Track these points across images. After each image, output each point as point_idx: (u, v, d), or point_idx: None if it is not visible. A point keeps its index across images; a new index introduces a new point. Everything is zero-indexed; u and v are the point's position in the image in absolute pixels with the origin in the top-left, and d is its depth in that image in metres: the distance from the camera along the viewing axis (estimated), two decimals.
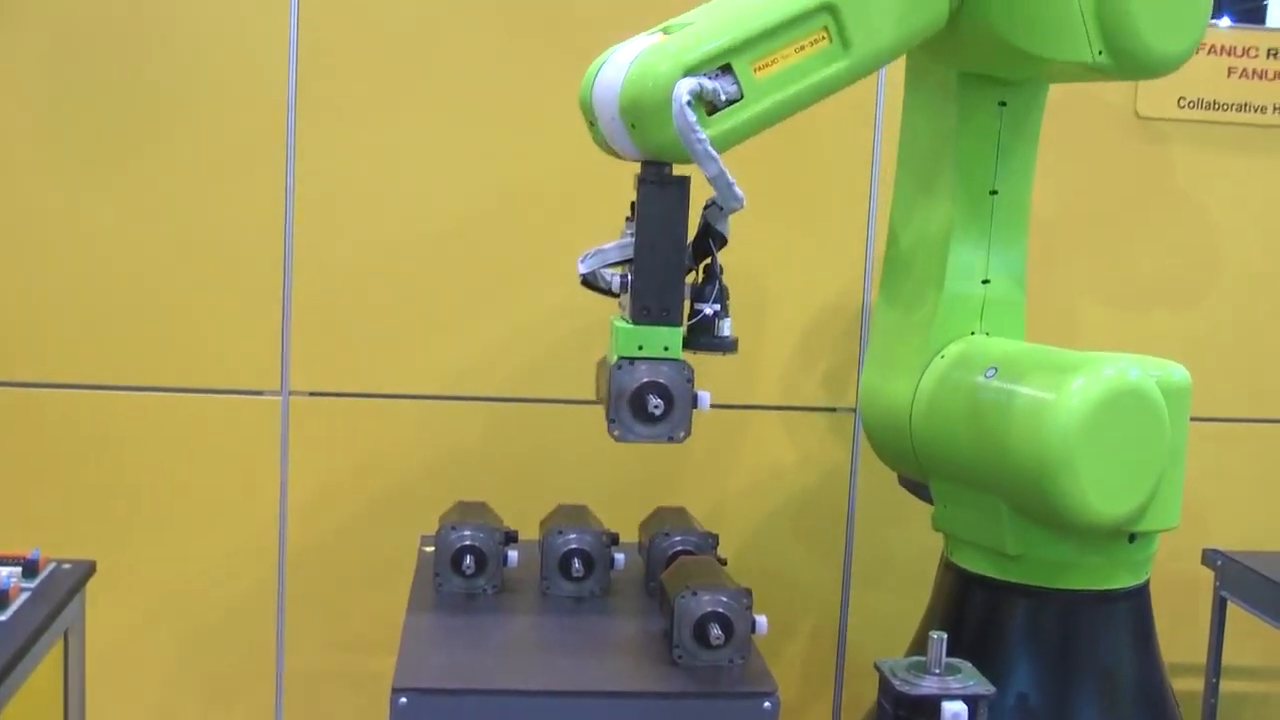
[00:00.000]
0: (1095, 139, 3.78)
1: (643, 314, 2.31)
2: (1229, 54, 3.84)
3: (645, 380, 2.30)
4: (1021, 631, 2.69)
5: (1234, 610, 3.42)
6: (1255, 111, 3.91)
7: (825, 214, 3.69)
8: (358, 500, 3.62)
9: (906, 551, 3.58)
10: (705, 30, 2.27)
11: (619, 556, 2.79)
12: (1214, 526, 3.74)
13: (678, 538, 2.81)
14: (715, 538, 2.84)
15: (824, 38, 2.34)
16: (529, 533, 2.89)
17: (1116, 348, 2.68)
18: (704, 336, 2.36)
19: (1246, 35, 3.97)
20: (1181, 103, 3.80)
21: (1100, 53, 2.52)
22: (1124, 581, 2.69)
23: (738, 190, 2.26)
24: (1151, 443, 2.50)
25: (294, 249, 3.52)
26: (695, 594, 2.37)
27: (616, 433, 2.32)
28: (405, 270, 3.56)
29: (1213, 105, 3.86)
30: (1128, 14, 2.50)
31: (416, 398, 3.61)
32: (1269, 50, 3.92)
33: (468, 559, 2.73)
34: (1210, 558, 3.43)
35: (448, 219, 3.56)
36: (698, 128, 2.17)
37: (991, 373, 2.61)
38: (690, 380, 2.31)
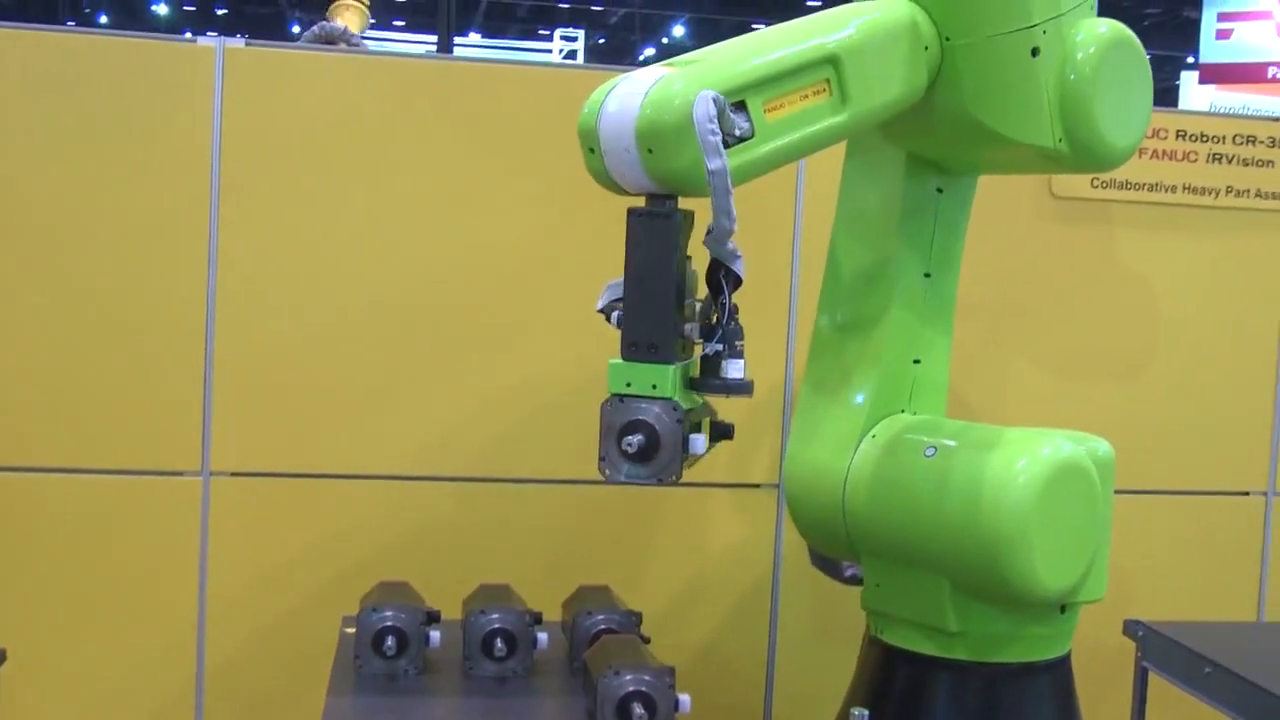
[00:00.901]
0: (1014, 220, 3.86)
1: (631, 350, 2.28)
2: None
3: (630, 419, 2.25)
4: (946, 706, 2.70)
5: (1155, 681, 3.44)
6: (1165, 191, 4.01)
7: (748, 293, 3.71)
8: (282, 584, 3.57)
9: (831, 627, 3.58)
10: (722, 63, 2.31)
11: (542, 636, 2.78)
12: (1136, 598, 3.79)
13: (600, 616, 2.80)
14: (638, 616, 2.84)
15: (825, 90, 2.41)
16: (453, 612, 2.87)
17: (1040, 421, 2.74)
18: (709, 377, 2.31)
19: (1157, 117, 4.08)
20: (1094, 183, 3.89)
21: (1060, 140, 2.64)
22: (1049, 653, 2.72)
23: (732, 208, 2.20)
24: (1089, 515, 2.59)
25: (216, 327, 3.49)
26: (618, 673, 2.37)
27: (606, 471, 2.27)
28: (331, 350, 3.55)
29: (1125, 185, 3.96)
30: (1089, 106, 2.62)
31: (342, 477, 3.57)
32: (1178, 132, 4.03)
33: (389, 640, 2.71)
34: (1132, 629, 3.46)
35: (377, 298, 3.56)
36: (715, 121, 2.15)
37: (931, 451, 2.64)
38: (681, 422, 2.24)
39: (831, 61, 2.40)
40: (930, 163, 2.84)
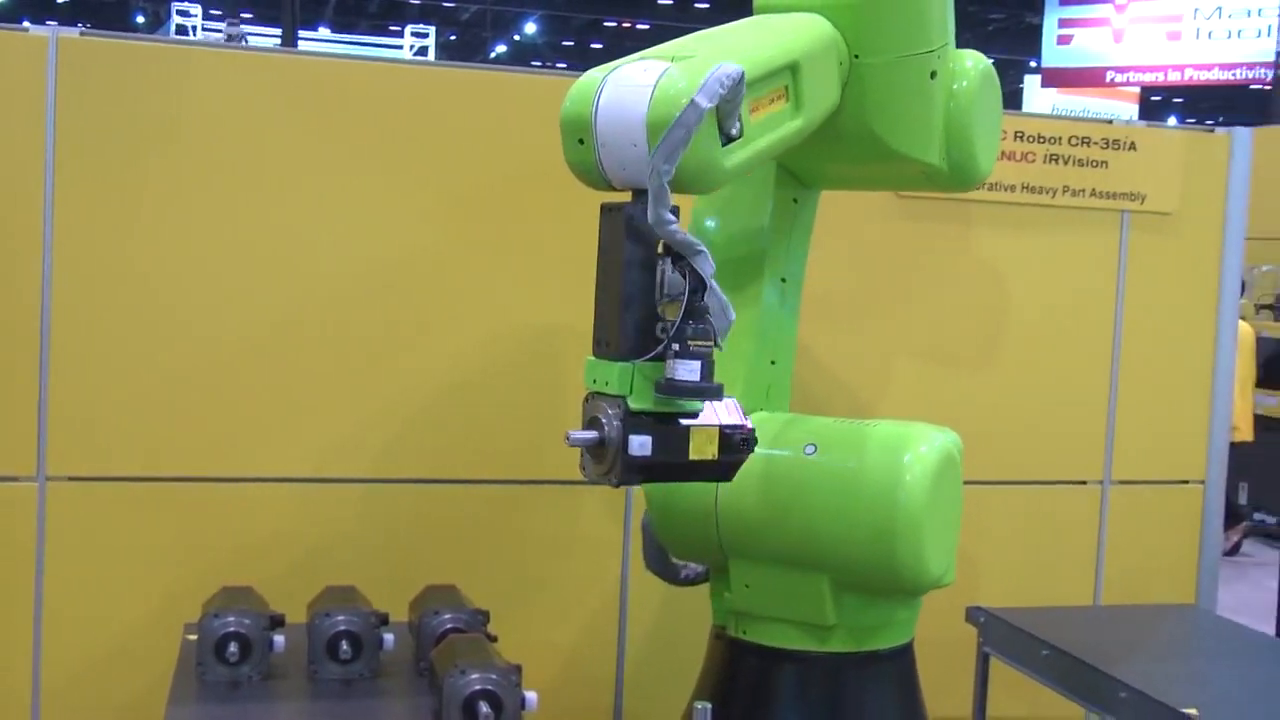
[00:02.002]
0: (862, 219, 3.92)
1: (594, 346, 2.32)
2: None
3: (589, 416, 2.30)
4: (792, 698, 2.74)
5: (997, 665, 3.54)
6: (1005, 190, 4.12)
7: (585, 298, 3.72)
8: (123, 592, 3.46)
9: (680, 623, 3.59)
10: (716, 61, 2.28)
11: (388, 637, 2.75)
12: (979, 586, 3.90)
13: (447, 615, 2.78)
14: (485, 614, 2.82)
15: (783, 96, 2.46)
16: (299, 616, 2.82)
17: (891, 413, 2.81)
18: (660, 379, 2.28)
19: None
20: None
21: (942, 158, 2.79)
22: (896, 640, 2.79)
23: (669, 195, 2.19)
24: (957, 503, 2.74)
25: (51, 327, 3.37)
26: (464, 672, 2.35)
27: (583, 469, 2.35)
28: (172, 351, 3.46)
29: None
30: (969, 128, 2.82)
31: (184, 480, 3.49)
32: (1016, 133, 4.14)
33: (232, 646, 2.65)
34: (973, 615, 3.56)
35: (216, 297, 3.48)
36: (701, 103, 2.17)
37: (811, 450, 2.68)
38: (623, 421, 2.26)
39: (792, 69, 2.46)
40: (793, 175, 2.91)
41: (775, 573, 2.75)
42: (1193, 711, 2.82)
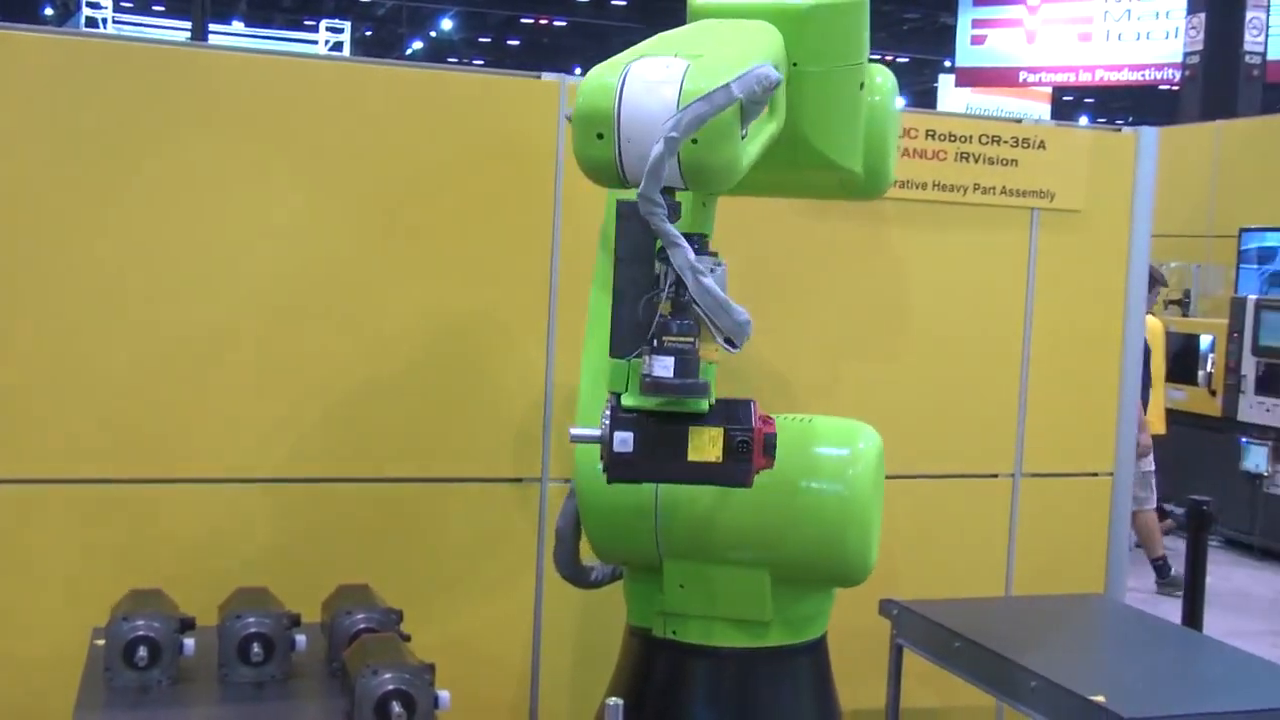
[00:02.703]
0: (769, 217, 3.94)
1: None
2: None
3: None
4: (706, 694, 2.75)
5: (910, 656, 3.58)
6: (917, 188, 4.17)
7: (509, 280, 3.72)
8: (26, 597, 3.38)
9: (596, 619, 3.59)
10: (725, 61, 2.29)
11: (300, 638, 2.72)
12: (893, 579, 3.93)
13: (360, 615, 2.75)
14: (399, 613, 2.80)
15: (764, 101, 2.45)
16: (209, 619, 2.78)
17: (806, 408, 2.85)
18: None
19: (908, 117, 4.23)
20: None
21: (861, 166, 2.85)
22: (815, 633, 2.81)
23: (665, 171, 2.18)
24: (880, 497, 2.81)
25: None
26: (376, 672, 2.34)
27: None
28: (65, 349, 3.38)
29: None
30: (886, 138, 2.93)
31: (88, 482, 3.42)
32: (928, 131, 4.18)
33: (140, 650, 2.61)
34: (886, 608, 3.59)
35: (115, 298, 3.42)
36: (735, 90, 2.18)
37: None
38: (608, 418, 2.29)
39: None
40: None
41: (714, 571, 2.76)
42: (1100, 698, 2.87)
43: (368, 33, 31.01)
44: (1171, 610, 4.87)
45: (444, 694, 2.36)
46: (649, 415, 2.30)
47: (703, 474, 2.35)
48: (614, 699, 2.26)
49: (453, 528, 3.69)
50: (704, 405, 2.30)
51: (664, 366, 2.24)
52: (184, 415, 3.47)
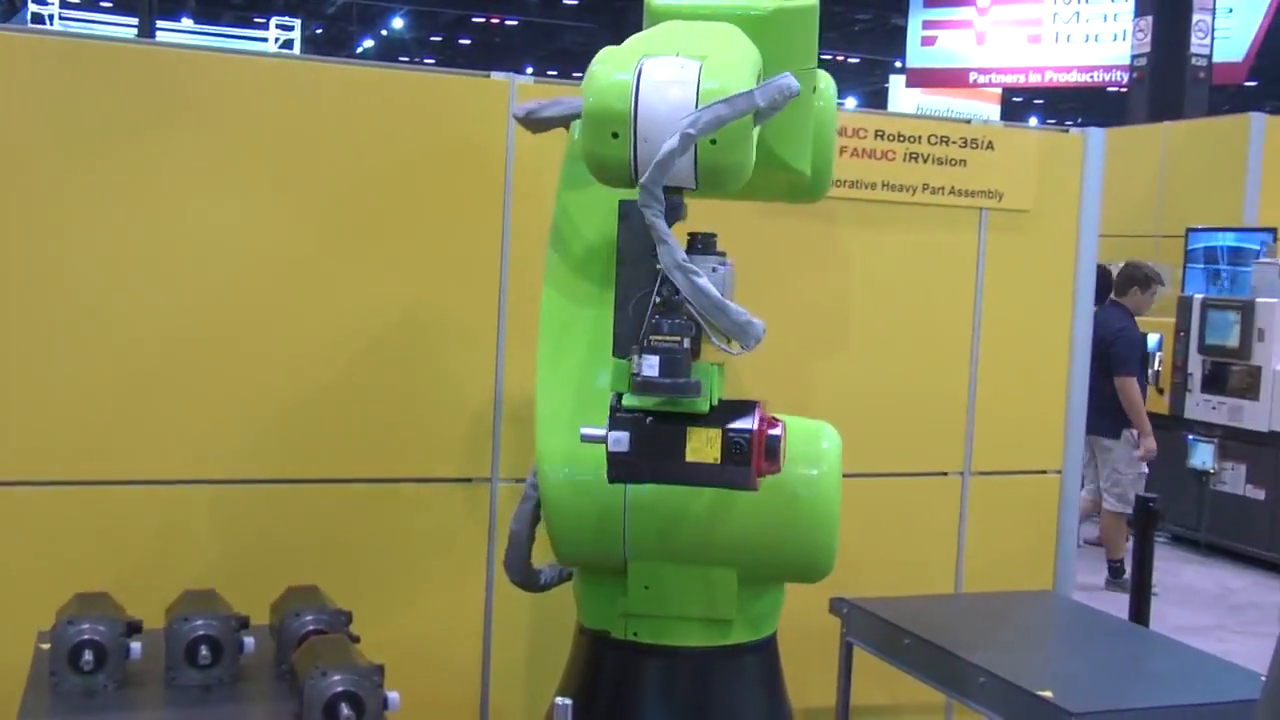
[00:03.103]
0: (721, 218, 3.92)
1: None
2: (841, 134, 4.07)
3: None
4: (657, 694, 2.75)
5: (860, 654, 3.60)
6: (866, 188, 4.19)
7: (459, 280, 3.71)
8: None
9: (547, 618, 3.59)
10: (733, 64, 2.30)
11: (248, 640, 2.69)
12: (843, 578, 3.95)
13: (309, 617, 2.73)
14: (348, 615, 2.78)
15: None
16: (156, 621, 2.75)
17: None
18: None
19: (857, 117, 4.26)
20: None
21: (809, 170, 2.86)
22: (770, 630, 2.82)
23: (669, 169, 2.19)
24: (840, 493, 2.79)
25: None
26: (324, 674, 2.32)
27: None
28: (16, 353, 3.35)
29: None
30: (830, 142, 2.98)
31: (32, 484, 3.38)
32: (877, 131, 4.21)
33: (86, 654, 2.58)
34: (836, 606, 3.61)
35: (60, 300, 3.38)
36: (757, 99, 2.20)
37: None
38: (612, 416, 2.31)
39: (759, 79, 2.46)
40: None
41: (680, 571, 2.75)
42: (1047, 694, 2.90)
43: (318, 31, 30.80)
44: (1119, 606, 4.91)
45: (393, 695, 2.35)
46: (647, 415, 2.29)
47: (702, 475, 2.33)
48: (563, 698, 2.26)
49: (403, 528, 3.68)
50: (702, 405, 2.29)
51: (650, 366, 2.24)
52: (131, 417, 3.44)
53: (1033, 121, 27.57)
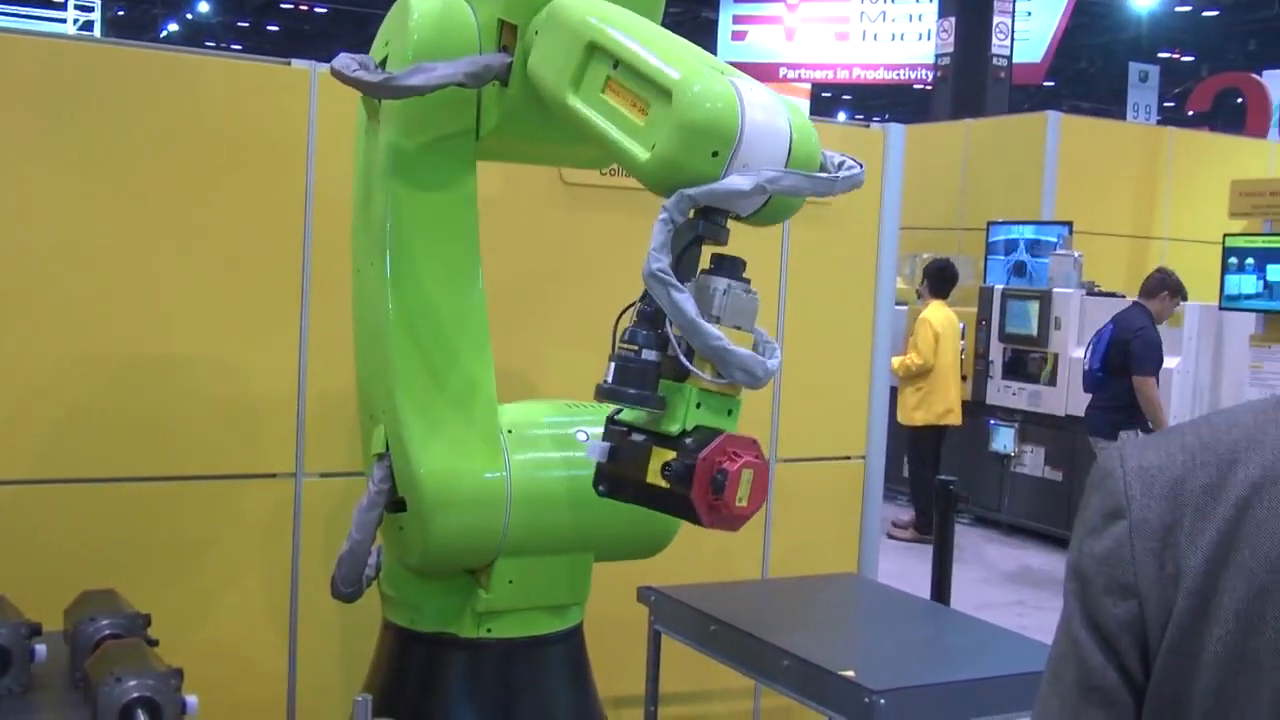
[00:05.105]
0: (528, 206, 3.94)
1: None
2: None
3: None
4: (462, 685, 2.74)
5: (668, 642, 3.64)
6: None
7: (259, 273, 3.63)
8: None
9: (352, 617, 3.54)
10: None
11: (40, 648, 2.59)
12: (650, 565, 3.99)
13: (105, 622, 2.64)
14: (146, 618, 2.70)
15: None
16: None
17: (574, 392, 2.87)
18: None
19: None
20: (604, 170, 4.02)
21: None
22: (571, 622, 2.83)
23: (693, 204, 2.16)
24: None
25: None
26: (119, 680, 2.25)
27: None
28: None
29: None
30: None
31: None
32: None
33: None
34: (644, 594, 3.64)
35: None
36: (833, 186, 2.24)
37: (584, 437, 2.69)
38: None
39: None
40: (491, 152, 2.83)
41: (545, 562, 2.74)
42: (849, 673, 2.98)
43: (120, 13, 29.73)
44: (922, 585, 5.08)
45: (191, 699, 2.29)
46: (631, 430, 2.21)
47: (658, 500, 2.21)
48: (362, 695, 2.23)
49: (204, 527, 3.58)
50: (669, 426, 2.17)
51: (609, 373, 2.18)
52: None
53: (841, 117, 28.17)
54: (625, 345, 2.18)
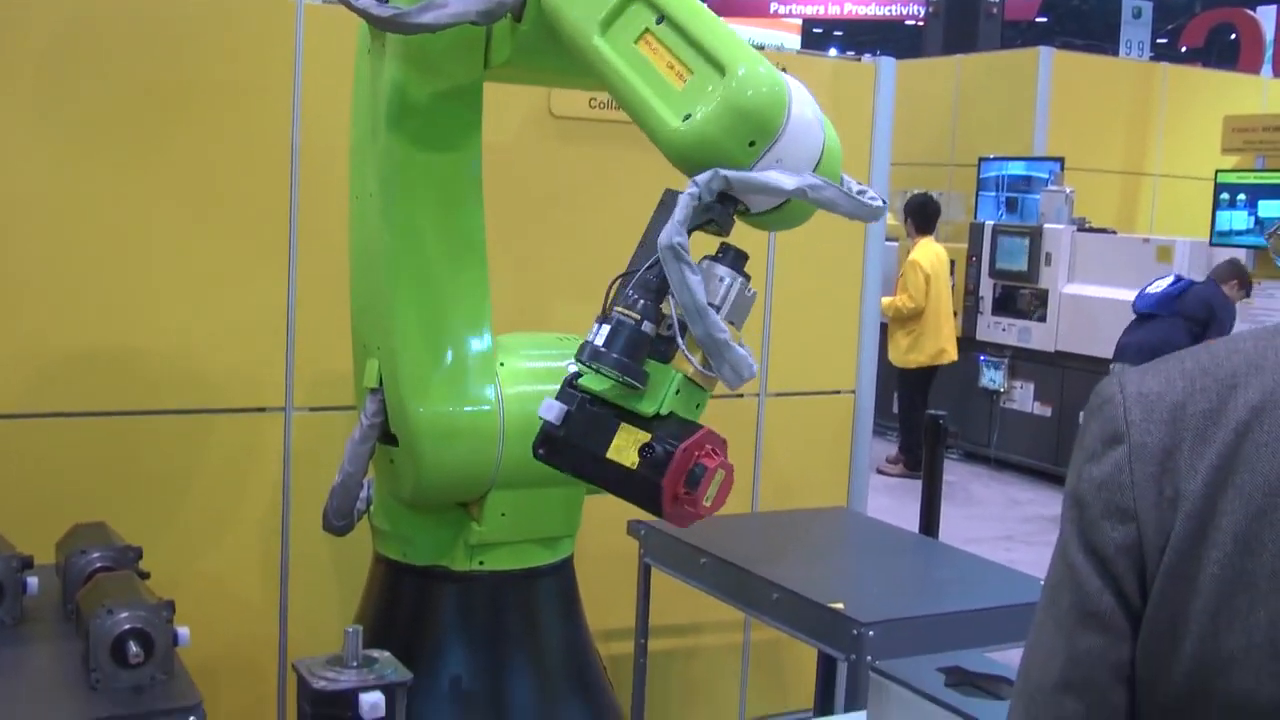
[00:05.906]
0: (514, 138, 3.92)
1: None
2: None
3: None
4: (454, 616, 2.76)
5: (658, 575, 3.67)
6: None
7: (247, 207, 3.60)
8: None
9: (342, 550, 3.55)
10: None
11: (31, 581, 2.60)
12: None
13: (96, 554, 2.65)
14: (137, 550, 2.71)
15: None
16: None
17: (560, 326, 2.87)
18: None
19: None
20: (592, 103, 4.00)
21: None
22: (561, 554, 2.85)
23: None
24: None
25: None
26: (111, 612, 2.26)
27: None
28: None
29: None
30: None
31: None
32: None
33: None
34: (634, 528, 3.66)
35: None
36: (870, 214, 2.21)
37: (573, 367, 2.65)
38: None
39: None
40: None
41: (538, 494, 2.72)
42: (839, 605, 3.00)
43: None
44: (911, 520, 5.11)
45: (183, 631, 2.30)
46: (593, 398, 2.10)
47: (612, 478, 2.10)
48: (352, 626, 2.24)
49: (195, 461, 3.58)
50: (645, 406, 2.08)
51: (600, 334, 2.07)
52: None
53: (832, 52, 27.97)
54: (626, 311, 2.08)
